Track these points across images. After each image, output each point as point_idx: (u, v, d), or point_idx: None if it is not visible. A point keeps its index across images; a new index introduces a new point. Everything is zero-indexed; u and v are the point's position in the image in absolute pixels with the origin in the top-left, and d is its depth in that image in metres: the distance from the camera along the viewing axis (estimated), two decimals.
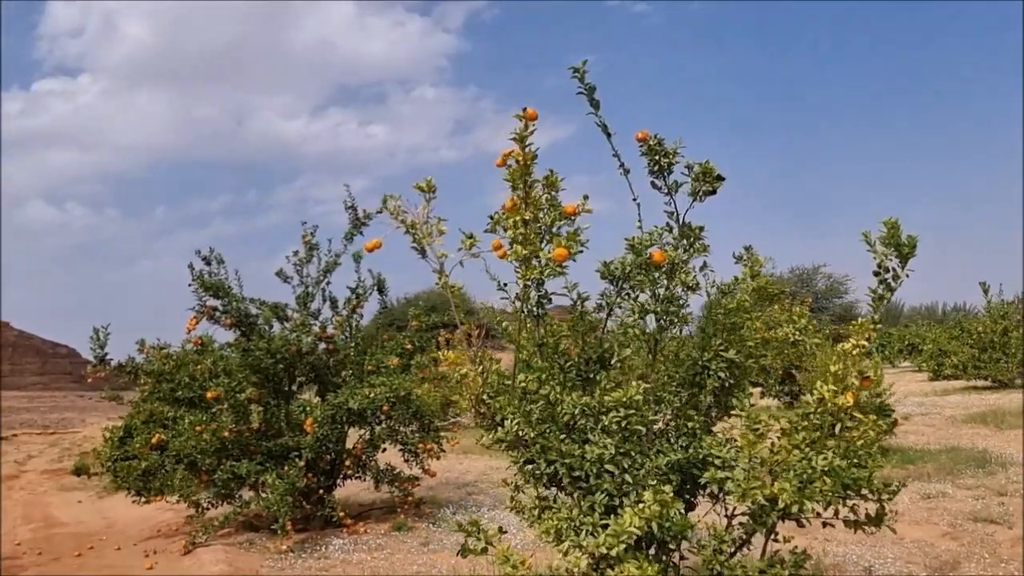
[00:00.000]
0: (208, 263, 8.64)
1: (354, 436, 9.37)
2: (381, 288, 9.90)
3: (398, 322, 10.53)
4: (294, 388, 9.46)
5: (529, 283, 3.40)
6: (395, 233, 4.06)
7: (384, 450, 9.31)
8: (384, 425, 9.20)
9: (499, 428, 3.21)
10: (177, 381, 8.40)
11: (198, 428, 8.17)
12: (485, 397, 3.27)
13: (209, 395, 8.07)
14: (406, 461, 9.40)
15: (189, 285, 8.71)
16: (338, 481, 9.37)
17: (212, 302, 8.53)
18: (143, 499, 8.82)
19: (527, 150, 3.34)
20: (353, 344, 9.31)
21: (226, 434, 8.14)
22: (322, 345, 9.17)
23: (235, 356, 8.80)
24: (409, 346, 9.48)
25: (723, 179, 3.30)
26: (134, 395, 10.07)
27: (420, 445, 9.05)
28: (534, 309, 3.73)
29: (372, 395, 8.07)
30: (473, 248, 3.83)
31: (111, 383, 9.79)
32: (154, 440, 8.22)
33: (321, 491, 8.83)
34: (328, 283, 9.67)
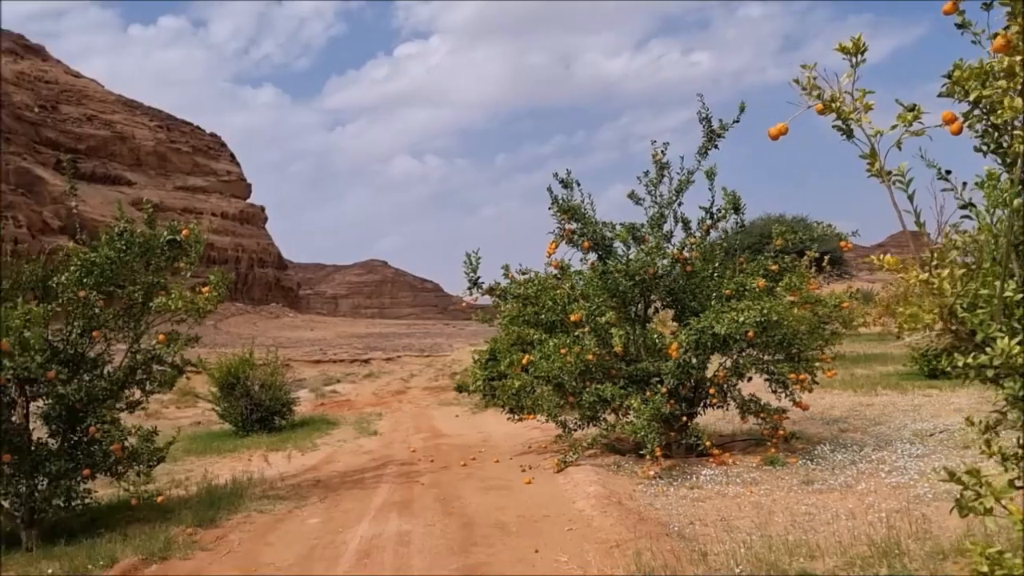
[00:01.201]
0: (566, 186, 8.61)
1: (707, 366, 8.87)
2: (737, 207, 9.14)
3: (733, 249, 9.61)
4: (649, 313, 9.22)
5: None
6: (805, 115, 3.33)
7: (750, 379, 8.69)
8: (748, 352, 8.57)
9: (983, 351, 2.42)
10: (541, 304, 8.56)
11: (563, 351, 8.27)
12: (958, 310, 2.49)
13: (573, 317, 8.09)
14: (773, 392, 8.68)
15: (548, 208, 8.80)
16: (698, 409, 8.98)
17: (570, 225, 8.52)
18: (516, 417, 9.25)
19: None
20: (713, 267, 8.73)
21: (590, 357, 8.13)
22: (678, 268, 8.73)
23: (593, 279, 8.74)
24: (774, 267, 8.65)
25: None
26: (497, 321, 10.55)
27: (791, 375, 8.25)
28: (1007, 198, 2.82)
29: (741, 319, 7.45)
30: (915, 124, 3.00)
31: (483, 310, 10.35)
32: (524, 361, 8.51)
33: (684, 418, 8.52)
34: (680, 203, 9.17)
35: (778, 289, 8.42)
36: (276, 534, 6.29)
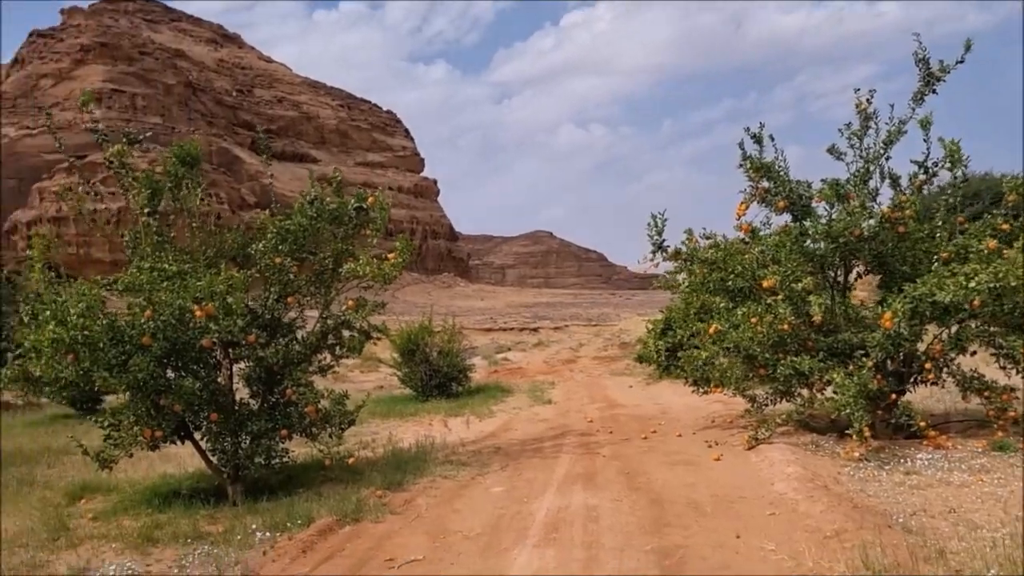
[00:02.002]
0: (758, 142, 7.94)
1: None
2: (955, 159, 8.08)
3: (952, 207, 8.44)
4: (849, 279, 8.40)
5: None
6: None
7: (974, 353, 7.71)
8: (968, 323, 7.60)
9: None
10: (729, 270, 7.98)
11: (753, 320, 7.68)
12: None
13: (766, 283, 7.48)
14: (1001, 368, 7.65)
15: (739, 167, 8.17)
16: (908, 386, 8.10)
17: (764, 184, 7.86)
18: (700, 390, 8.76)
19: None
20: (933, 225, 7.78)
21: (784, 327, 7.49)
22: (887, 228, 7.83)
23: (784, 242, 8.05)
24: (1005, 226, 7.56)
25: None
26: (681, 288, 10.04)
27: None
28: None
29: (971, 285, 6.54)
30: None
31: (661, 277, 9.91)
32: (711, 331, 7.99)
33: (892, 395, 7.69)
34: (887, 157, 8.25)
35: (1010, 252, 7.34)
36: (462, 501, 6.27)
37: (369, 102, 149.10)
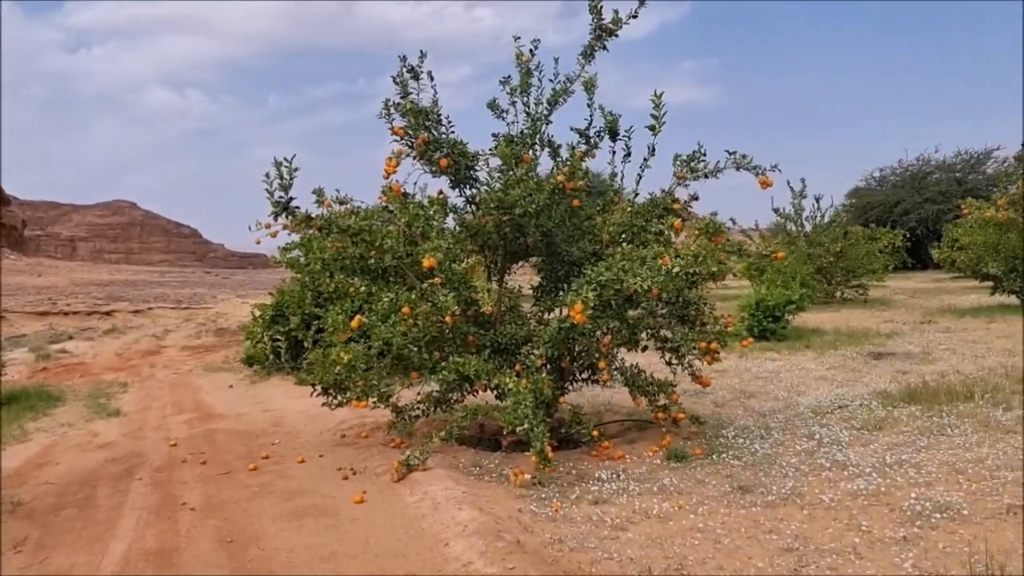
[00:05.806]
0: (415, 76, 6.09)
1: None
2: (614, 132, 7.24)
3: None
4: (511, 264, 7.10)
5: None
6: None
7: (645, 348, 6.88)
8: (655, 312, 6.81)
9: None
10: (376, 242, 6.02)
11: (405, 309, 5.86)
12: None
13: (426, 263, 5.67)
14: (669, 364, 6.94)
15: (380, 115, 6.28)
16: (568, 385, 7.08)
17: (424, 134, 6.05)
18: (335, 401, 6.66)
19: None
20: (606, 201, 6.75)
21: (447, 319, 5.80)
22: (565, 202, 6.56)
23: (435, 214, 6.39)
24: (676, 205, 6.83)
25: None
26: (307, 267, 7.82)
27: (700, 344, 6.47)
28: None
29: (676, 269, 5.48)
30: None
31: (282, 253, 7.58)
32: (354, 324, 5.95)
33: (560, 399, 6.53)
34: (549, 123, 7.05)
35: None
36: None
37: None
